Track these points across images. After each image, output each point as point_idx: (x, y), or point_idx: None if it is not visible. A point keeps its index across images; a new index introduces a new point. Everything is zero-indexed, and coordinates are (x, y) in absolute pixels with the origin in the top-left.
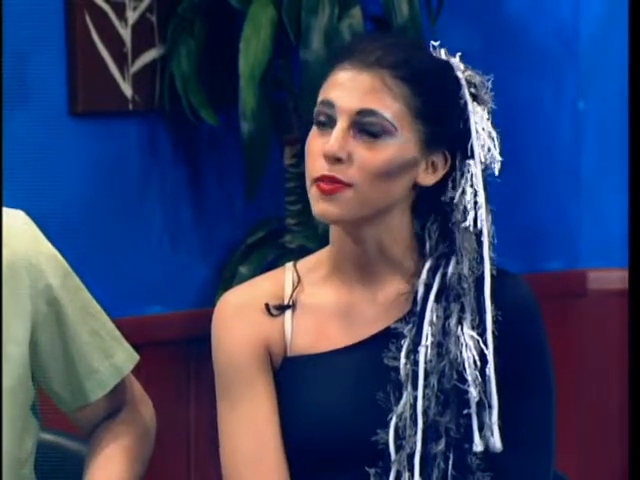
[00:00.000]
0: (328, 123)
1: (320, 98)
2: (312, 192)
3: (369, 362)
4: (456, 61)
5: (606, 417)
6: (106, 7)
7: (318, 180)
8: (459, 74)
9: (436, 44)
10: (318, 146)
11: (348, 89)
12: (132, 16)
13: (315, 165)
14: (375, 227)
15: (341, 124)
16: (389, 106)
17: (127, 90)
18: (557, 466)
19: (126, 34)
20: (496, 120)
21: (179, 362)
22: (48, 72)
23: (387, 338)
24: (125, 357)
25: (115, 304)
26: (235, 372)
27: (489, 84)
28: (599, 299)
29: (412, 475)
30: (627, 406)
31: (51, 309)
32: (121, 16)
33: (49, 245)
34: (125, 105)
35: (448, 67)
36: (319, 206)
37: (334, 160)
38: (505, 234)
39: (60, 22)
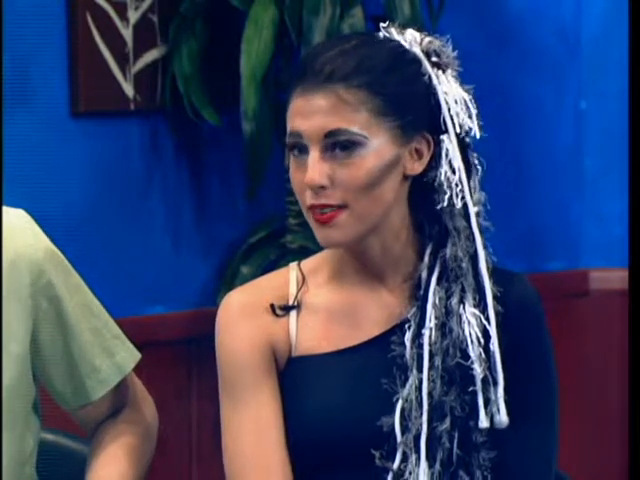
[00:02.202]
0: (302, 153)
1: (288, 129)
2: (310, 221)
3: (374, 362)
4: (410, 35)
5: (607, 417)
6: (108, 7)
7: (311, 209)
8: (415, 50)
9: (385, 25)
10: (300, 179)
11: (308, 115)
12: (134, 16)
13: (304, 196)
14: (378, 232)
15: (313, 152)
16: (352, 119)
17: (129, 90)
18: (558, 466)
19: (128, 34)
20: (498, 120)
21: (180, 362)
22: (50, 72)
23: (392, 337)
24: (127, 355)
25: (116, 304)
26: (240, 373)
27: (449, 45)
28: (600, 299)
29: (418, 456)
30: (628, 406)
31: (52, 307)
32: (123, 16)
33: (50, 243)
34: (127, 105)
35: (400, 50)
36: (321, 233)
37: (318, 189)
38: (507, 234)
39: (62, 22)
